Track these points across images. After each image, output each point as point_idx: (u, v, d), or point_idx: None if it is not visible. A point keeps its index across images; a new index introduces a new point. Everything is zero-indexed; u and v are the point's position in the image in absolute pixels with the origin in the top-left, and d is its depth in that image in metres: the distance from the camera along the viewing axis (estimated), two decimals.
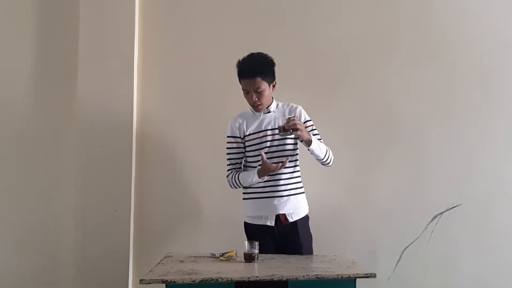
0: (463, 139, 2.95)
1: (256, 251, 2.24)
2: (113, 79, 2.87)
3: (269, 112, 2.49)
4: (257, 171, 2.39)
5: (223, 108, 2.88)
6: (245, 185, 2.46)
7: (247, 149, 2.49)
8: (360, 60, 2.96)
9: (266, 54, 2.42)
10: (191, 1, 3.01)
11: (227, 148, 2.53)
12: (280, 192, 2.44)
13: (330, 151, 2.48)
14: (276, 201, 2.43)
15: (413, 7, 2.99)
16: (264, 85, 2.38)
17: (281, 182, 2.44)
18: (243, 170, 2.53)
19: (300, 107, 2.51)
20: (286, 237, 2.41)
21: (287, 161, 2.35)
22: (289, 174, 2.46)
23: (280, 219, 2.44)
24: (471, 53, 2.98)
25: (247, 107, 2.53)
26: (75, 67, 2.89)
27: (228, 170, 2.53)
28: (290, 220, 2.44)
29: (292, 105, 2.52)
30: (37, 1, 3.02)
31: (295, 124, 2.26)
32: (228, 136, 2.52)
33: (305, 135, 2.30)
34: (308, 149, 2.38)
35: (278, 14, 2.98)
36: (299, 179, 2.51)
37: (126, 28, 2.90)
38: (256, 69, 2.36)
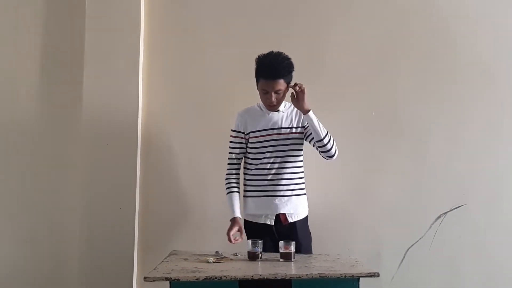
0: (468, 138, 2.94)
1: (260, 249, 2.25)
2: (118, 78, 2.88)
3: (278, 111, 2.48)
4: (232, 219, 2.41)
5: (228, 106, 2.88)
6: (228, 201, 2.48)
7: (250, 145, 2.49)
8: (365, 61, 2.96)
9: (286, 55, 2.39)
10: (197, 1, 3.01)
11: (230, 141, 2.54)
12: (282, 192, 2.44)
13: (333, 139, 2.43)
14: (277, 200, 2.44)
15: (420, 9, 2.98)
16: (284, 87, 2.37)
17: (283, 182, 2.44)
18: (244, 167, 2.53)
19: None
20: (285, 237, 2.40)
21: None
22: (292, 174, 2.46)
23: (280, 218, 2.44)
24: (475, 53, 2.97)
25: (253, 105, 2.53)
26: (81, 66, 2.90)
27: (228, 164, 2.54)
28: (290, 220, 2.44)
29: None
30: (43, 1, 3.04)
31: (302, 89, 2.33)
32: (232, 130, 2.53)
33: (304, 103, 2.34)
34: (307, 124, 2.42)
35: (285, 14, 2.98)
36: (302, 180, 2.50)
37: (132, 27, 2.90)
38: (281, 71, 2.34)
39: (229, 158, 2.55)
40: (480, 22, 2.99)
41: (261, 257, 2.25)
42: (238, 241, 2.37)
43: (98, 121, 2.87)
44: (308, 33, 2.97)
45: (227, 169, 2.55)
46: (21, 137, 3.00)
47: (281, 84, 2.35)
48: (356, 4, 2.99)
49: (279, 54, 2.38)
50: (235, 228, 2.38)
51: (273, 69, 2.33)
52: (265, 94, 2.38)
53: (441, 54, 2.97)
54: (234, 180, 2.53)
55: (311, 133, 2.43)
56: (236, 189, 2.50)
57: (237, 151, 2.53)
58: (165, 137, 2.97)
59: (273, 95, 2.37)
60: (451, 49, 2.97)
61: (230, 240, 2.35)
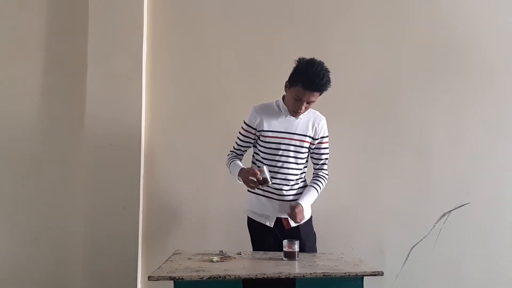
0: (472, 137, 2.94)
1: (267, 174, 2.26)
2: (122, 78, 2.89)
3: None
4: (240, 170, 2.35)
5: (231, 107, 2.90)
6: (230, 171, 2.44)
7: (261, 144, 2.43)
8: (366, 61, 2.96)
9: (327, 67, 2.28)
10: (200, 1, 3.01)
11: (239, 132, 2.47)
12: (285, 197, 2.41)
13: (323, 183, 2.48)
14: (280, 204, 2.41)
15: (423, 9, 2.97)
16: (317, 99, 2.31)
17: (288, 187, 2.42)
18: (253, 164, 2.49)
19: (324, 119, 2.47)
20: (289, 237, 2.36)
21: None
22: (297, 180, 2.44)
23: (282, 223, 2.40)
24: (478, 53, 2.96)
25: (271, 102, 2.48)
26: (84, 66, 2.90)
27: (231, 151, 2.52)
28: (292, 225, 2.39)
29: (318, 115, 2.46)
30: (46, 1, 3.05)
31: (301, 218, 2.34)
32: (244, 122, 2.45)
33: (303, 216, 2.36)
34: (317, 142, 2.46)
35: (287, 14, 2.97)
36: (305, 184, 2.49)
37: (135, 27, 2.91)
38: (323, 86, 2.26)
39: (234, 148, 2.51)
40: (484, 22, 2.98)
41: (270, 181, 2.27)
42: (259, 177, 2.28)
43: (101, 121, 2.87)
44: (311, 32, 2.96)
45: (230, 153, 2.52)
46: (25, 137, 3.00)
47: (316, 96, 2.29)
48: (358, 3, 2.98)
49: (321, 65, 2.26)
50: (248, 173, 2.29)
51: (316, 82, 2.24)
52: (296, 101, 2.30)
53: (444, 54, 2.96)
54: (237, 158, 2.49)
55: (313, 153, 2.48)
56: (239, 160, 2.47)
57: (244, 144, 2.48)
58: (168, 136, 2.97)
59: (305, 104, 2.31)
60: (454, 48, 2.96)
61: (253, 184, 2.29)
